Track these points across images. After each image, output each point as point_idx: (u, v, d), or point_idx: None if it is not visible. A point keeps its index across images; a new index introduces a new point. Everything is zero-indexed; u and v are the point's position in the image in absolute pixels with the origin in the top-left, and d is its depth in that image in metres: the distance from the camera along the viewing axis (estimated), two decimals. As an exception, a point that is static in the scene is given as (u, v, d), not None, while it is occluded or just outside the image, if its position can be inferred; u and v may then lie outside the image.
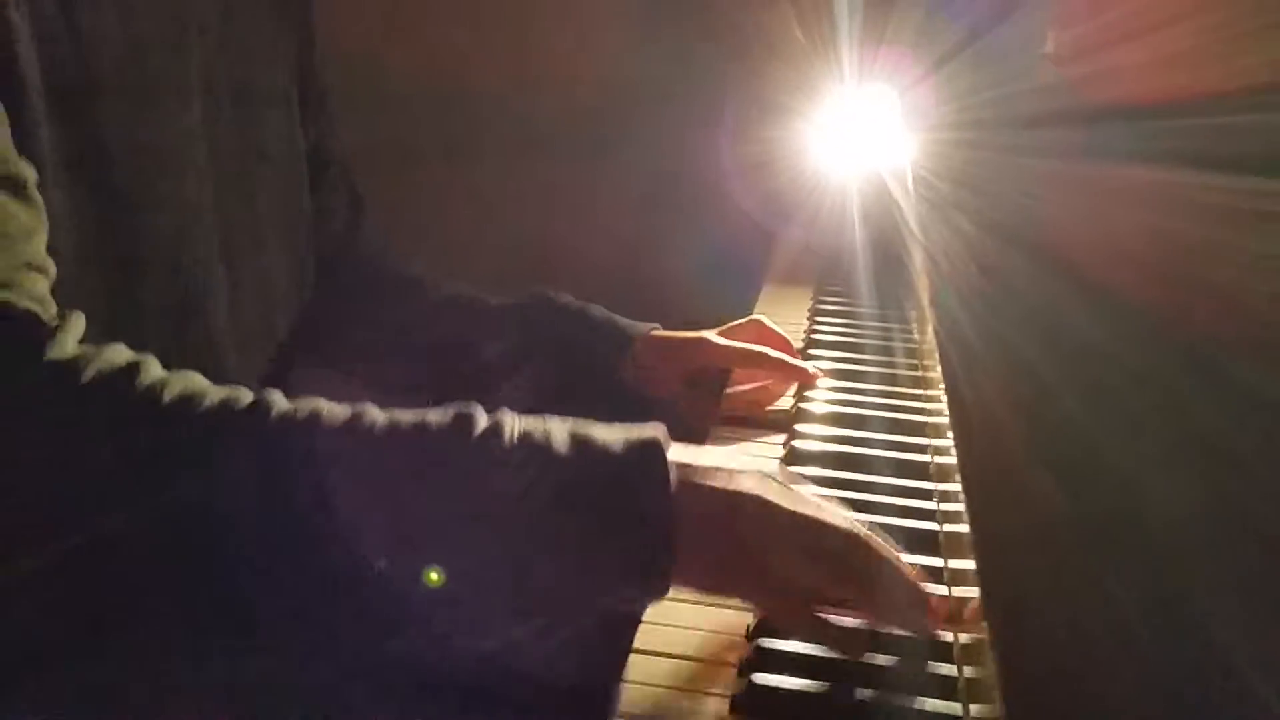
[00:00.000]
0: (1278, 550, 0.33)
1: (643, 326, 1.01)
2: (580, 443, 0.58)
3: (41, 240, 0.62)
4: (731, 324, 1.04)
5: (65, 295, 0.62)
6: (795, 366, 0.99)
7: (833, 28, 1.27)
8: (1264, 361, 0.45)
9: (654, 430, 0.59)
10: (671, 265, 1.20)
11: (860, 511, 0.64)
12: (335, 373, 1.06)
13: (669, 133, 1.50)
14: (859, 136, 1.29)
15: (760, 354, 0.98)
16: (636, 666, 0.64)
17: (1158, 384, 0.50)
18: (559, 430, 0.58)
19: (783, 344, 1.02)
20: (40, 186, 0.63)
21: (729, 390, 1.01)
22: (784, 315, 1.25)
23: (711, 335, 1.00)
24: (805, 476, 0.80)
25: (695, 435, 0.94)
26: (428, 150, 1.14)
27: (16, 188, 0.60)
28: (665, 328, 1.03)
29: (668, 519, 0.56)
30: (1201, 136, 0.63)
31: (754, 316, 1.05)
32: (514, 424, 0.58)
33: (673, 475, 0.57)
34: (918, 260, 0.99)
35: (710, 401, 0.99)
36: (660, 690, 0.62)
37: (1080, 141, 0.78)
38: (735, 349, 0.98)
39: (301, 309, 0.98)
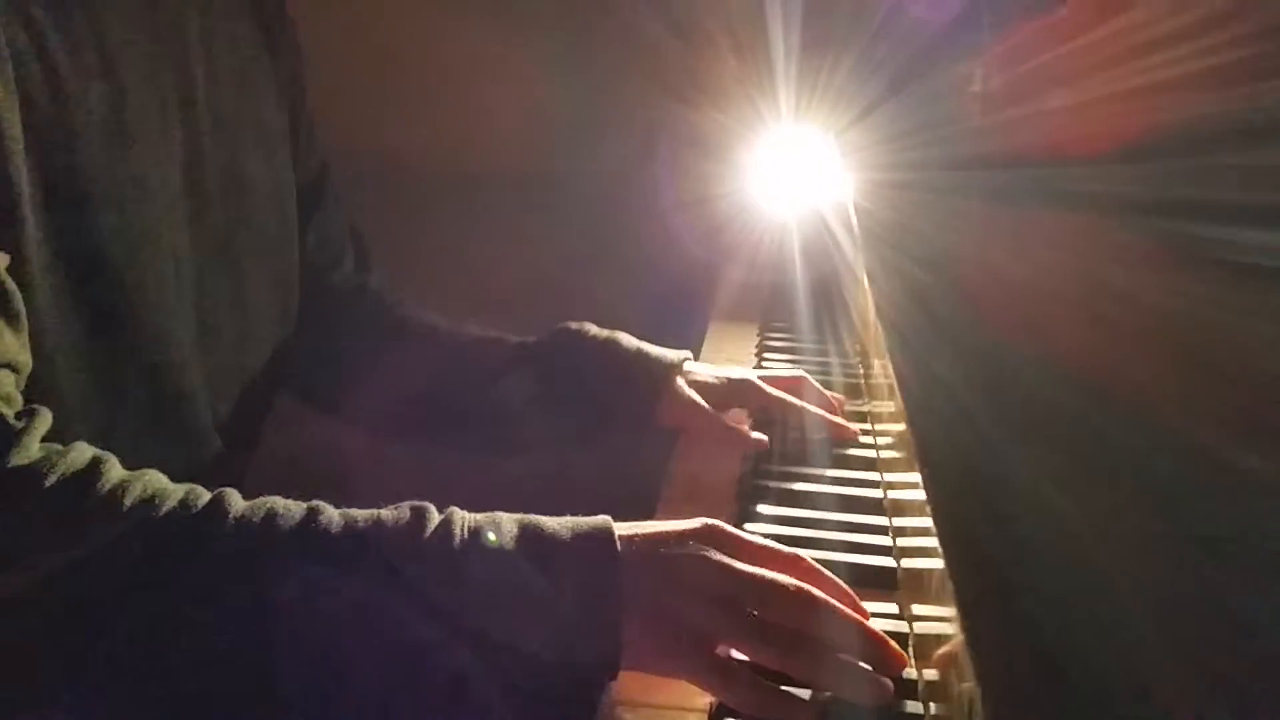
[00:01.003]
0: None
1: (675, 357, 0.97)
2: (530, 536, 0.59)
3: (15, 332, 0.62)
4: (776, 374, 1.02)
5: (41, 350, 0.64)
6: (836, 423, 0.96)
7: (769, 68, 1.29)
8: (1193, 392, 0.47)
9: (603, 519, 0.61)
10: (616, 304, 1.21)
11: (813, 548, 0.65)
12: (360, 423, 1.05)
13: (608, 172, 1.51)
14: (797, 175, 1.32)
15: (800, 408, 0.96)
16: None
17: (1093, 414, 0.52)
18: (508, 524, 0.60)
19: (823, 400, 0.99)
20: (15, 248, 0.64)
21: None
22: (731, 351, 1.27)
23: (753, 376, 0.99)
24: (758, 514, 0.81)
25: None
26: (372, 207, 1.15)
27: None
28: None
29: (616, 596, 0.57)
30: (1124, 180, 0.66)
31: (798, 373, 1.03)
32: (464, 521, 0.59)
33: (620, 548, 0.59)
34: (861, 298, 1.01)
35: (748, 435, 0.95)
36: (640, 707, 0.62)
37: (1007, 181, 0.81)
38: (776, 398, 0.96)
39: (300, 353, 0.96)
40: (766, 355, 1.24)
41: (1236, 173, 0.55)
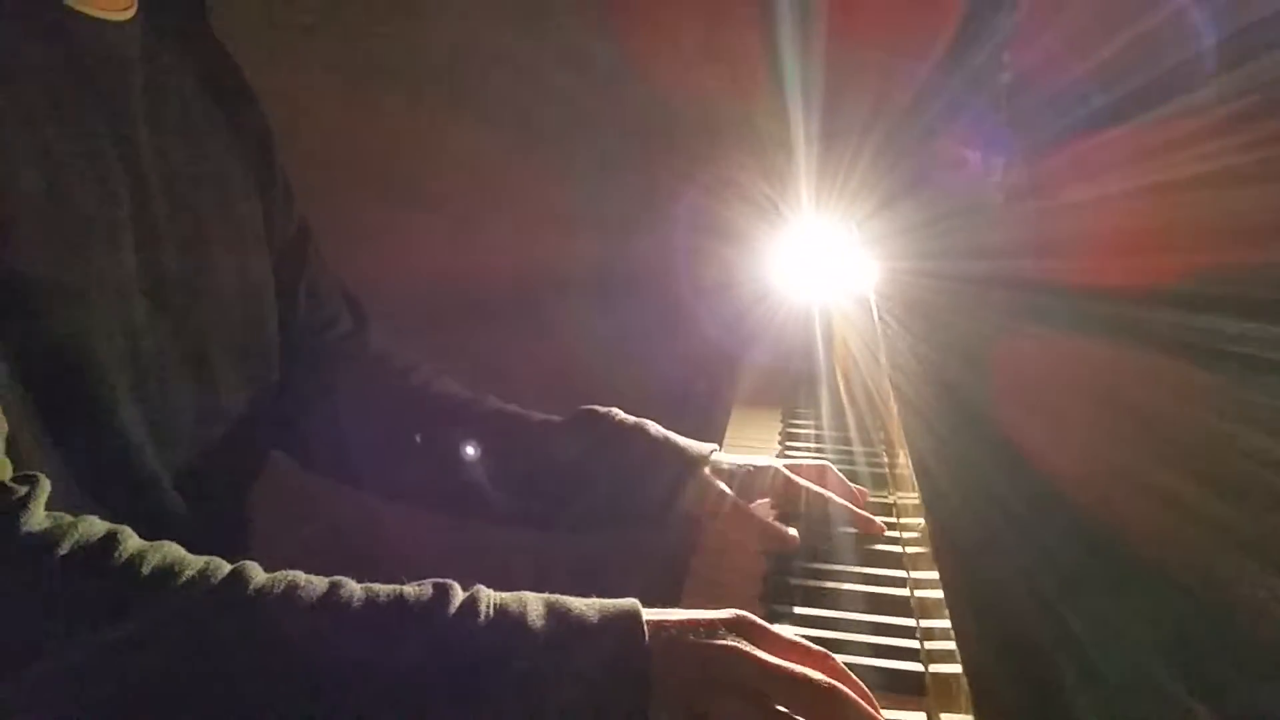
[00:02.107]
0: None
1: (704, 448, 0.97)
2: (558, 616, 0.59)
3: None
4: (799, 463, 1.01)
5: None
6: (861, 516, 0.95)
7: (789, 157, 1.32)
8: (1214, 502, 0.47)
9: (631, 602, 0.61)
10: (639, 390, 1.21)
11: (839, 651, 0.64)
12: (372, 490, 1.03)
13: (630, 260, 1.53)
14: (818, 263, 1.33)
15: (825, 498, 0.95)
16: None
17: (1117, 513, 0.52)
18: (535, 603, 0.59)
19: (847, 492, 0.99)
20: None
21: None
22: (753, 436, 1.27)
23: (779, 464, 0.98)
24: (784, 614, 0.80)
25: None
26: (392, 301, 1.16)
27: None
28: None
29: (644, 682, 0.57)
30: (1147, 275, 0.66)
31: (822, 463, 1.02)
32: (489, 600, 0.59)
33: (649, 636, 0.58)
34: (883, 387, 1.01)
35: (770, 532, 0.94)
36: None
37: (1028, 274, 0.82)
38: (803, 488, 0.96)
39: (299, 417, 0.95)
40: (789, 444, 1.24)
41: (1270, 270, 0.56)
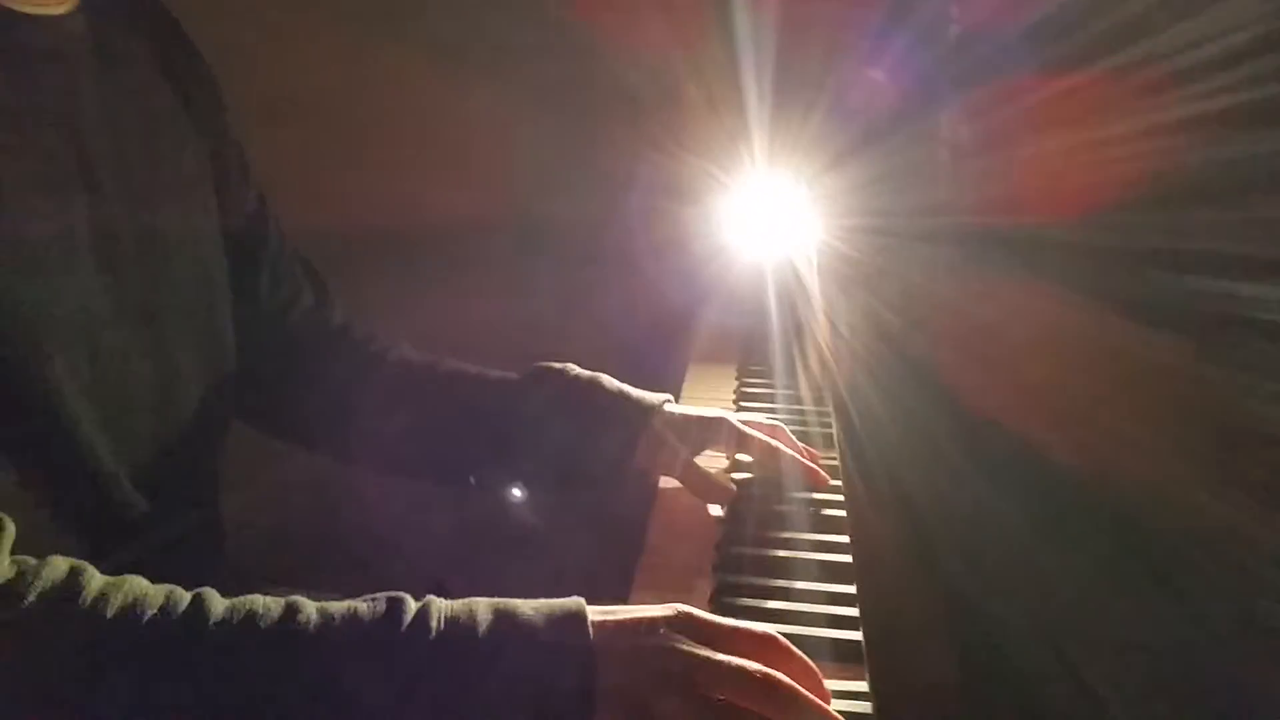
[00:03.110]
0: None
1: (656, 399, 0.98)
2: (505, 625, 0.60)
3: None
4: (755, 420, 1.02)
5: None
6: (809, 468, 0.97)
7: (742, 115, 1.31)
8: (1153, 447, 0.48)
9: (576, 604, 0.62)
10: (593, 347, 1.21)
11: (787, 622, 0.65)
12: (341, 458, 1.04)
13: (582, 219, 1.52)
14: (770, 220, 1.33)
15: (774, 449, 0.97)
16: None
17: (1051, 468, 0.53)
18: (484, 611, 0.61)
19: (798, 450, 1.00)
20: None
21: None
22: (711, 394, 1.28)
23: (730, 416, 0.99)
24: (731, 585, 0.82)
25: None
26: (345, 258, 1.15)
27: None
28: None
29: (588, 684, 0.59)
30: (1094, 229, 0.67)
31: (777, 424, 1.03)
32: (439, 612, 0.61)
33: (594, 634, 0.60)
34: (821, 346, 1.02)
35: (721, 480, 0.96)
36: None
37: (976, 230, 0.82)
38: (756, 440, 0.97)
39: (269, 394, 0.96)
40: (744, 403, 1.24)
41: (1216, 225, 0.56)
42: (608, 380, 0.99)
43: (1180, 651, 0.37)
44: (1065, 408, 0.57)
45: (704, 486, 0.95)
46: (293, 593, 0.61)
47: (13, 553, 0.60)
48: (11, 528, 0.60)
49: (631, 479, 0.98)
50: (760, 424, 1.01)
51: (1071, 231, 0.65)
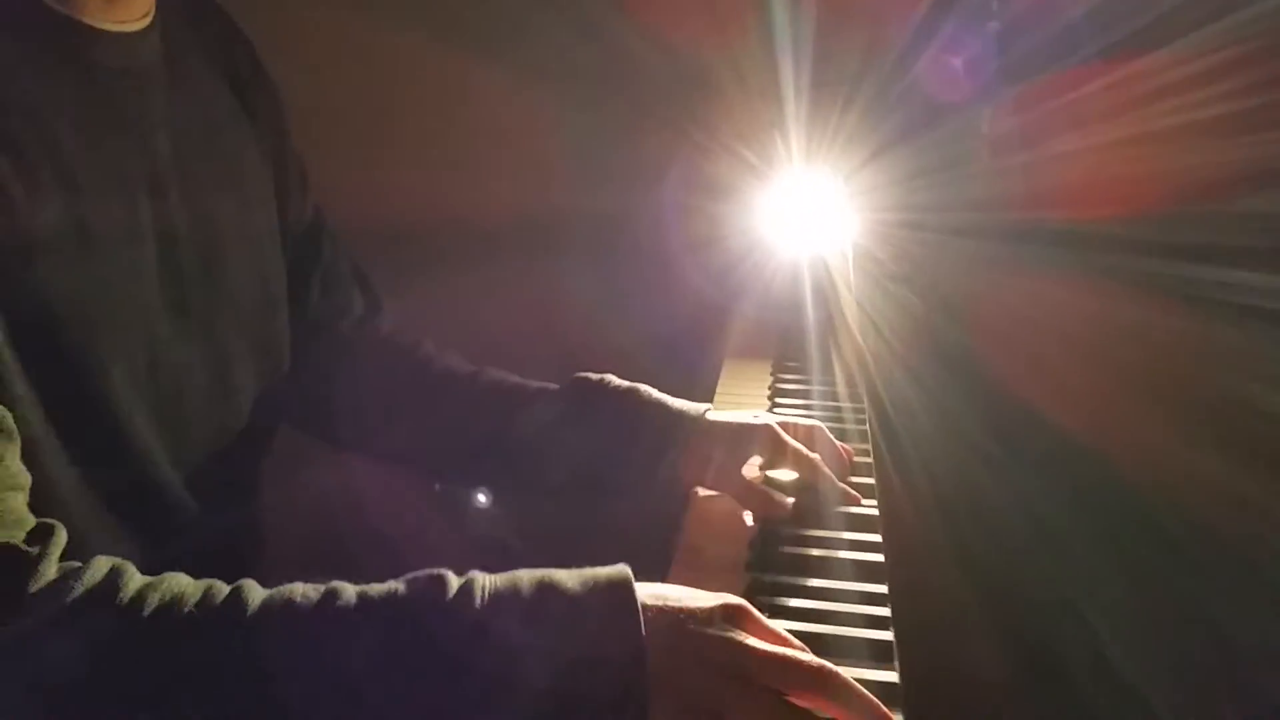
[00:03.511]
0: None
1: (696, 409, 0.97)
2: (549, 596, 0.60)
3: (12, 454, 0.64)
4: (796, 422, 1.01)
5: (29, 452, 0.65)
6: (846, 491, 0.95)
7: (779, 110, 1.31)
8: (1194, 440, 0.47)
9: (621, 573, 0.61)
10: (628, 344, 1.22)
11: (821, 622, 0.65)
12: (382, 462, 1.06)
13: (618, 215, 1.52)
14: (806, 216, 1.32)
15: (812, 461, 0.95)
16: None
17: (1089, 463, 0.52)
18: (527, 585, 0.60)
19: (835, 454, 0.99)
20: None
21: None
22: (746, 390, 1.27)
23: (771, 421, 0.97)
24: (766, 583, 0.81)
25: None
26: (383, 255, 1.16)
27: None
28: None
29: (639, 666, 0.58)
30: (1135, 225, 0.66)
31: (813, 423, 1.02)
32: (484, 585, 0.60)
33: (643, 619, 0.59)
34: (854, 344, 1.01)
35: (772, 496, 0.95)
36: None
37: (1015, 226, 0.81)
38: (794, 450, 0.95)
39: (314, 402, 0.97)
40: (779, 400, 1.23)
41: (1260, 221, 0.55)
42: (646, 391, 0.98)
43: (1217, 648, 0.37)
44: (1103, 405, 0.56)
45: (751, 497, 0.95)
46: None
47: (63, 557, 0.62)
48: (63, 535, 0.61)
49: (672, 490, 0.97)
50: (799, 426, 1.00)
51: (1113, 227, 0.64)
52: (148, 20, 0.80)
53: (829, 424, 1.04)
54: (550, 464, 0.98)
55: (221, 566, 0.78)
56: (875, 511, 0.91)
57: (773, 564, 0.86)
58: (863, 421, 1.11)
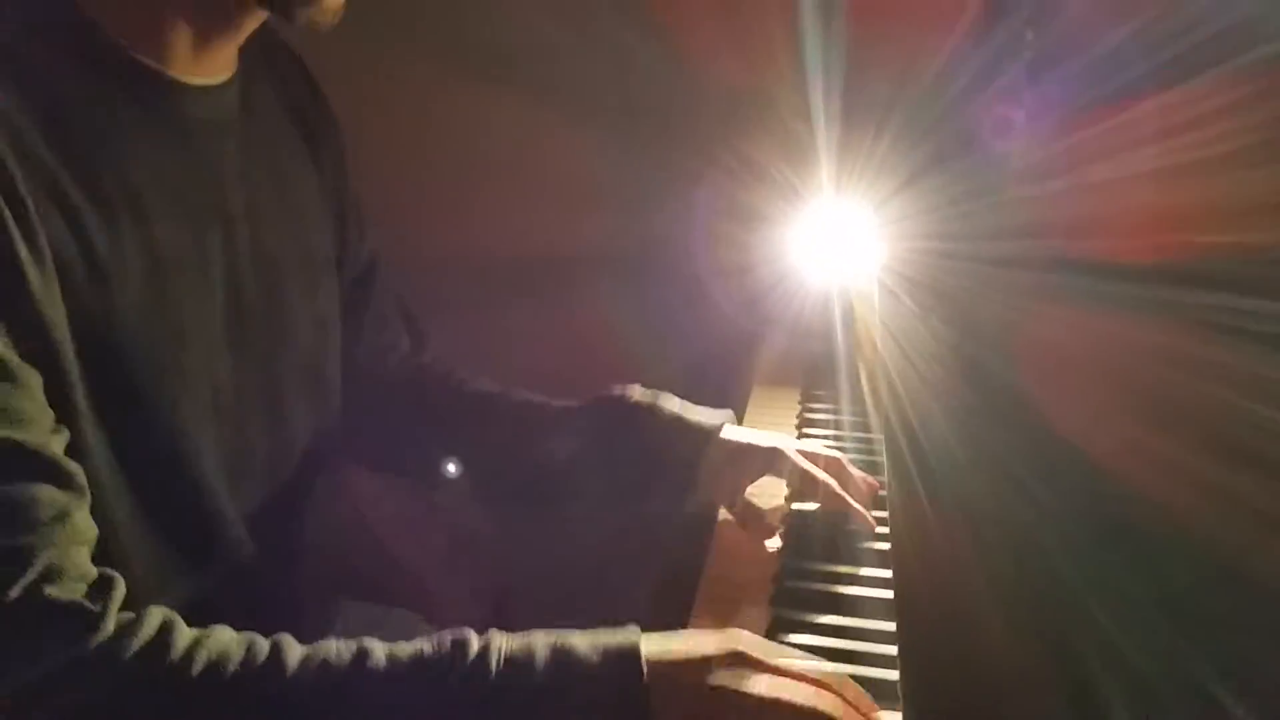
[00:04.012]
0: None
1: (715, 423, 0.98)
2: (561, 661, 0.64)
3: (81, 508, 0.67)
4: (815, 452, 1.00)
5: (96, 506, 0.69)
6: (856, 510, 0.95)
7: (811, 139, 1.31)
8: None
9: (632, 642, 0.65)
10: (659, 372, 1.22)
11: (849, 663, 0.66)
12: (412, 483, 1.10)
13: (649, 243, 1.53)
14: (837, 245, 1.32)
15: (825, 487, 0.95)
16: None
17: (1101, 503, 0.52)
18: (541, 649, 0.65)
19: (859, 490, 0.99)
20: (69, 412, 0.68)
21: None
22: (774, 418, 1.27)
23: (789, 445, 0.98)
24: (788, 620, 0.82)
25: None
26: (415, 284, 1.18)
27: (50, 469, 0.65)
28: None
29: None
30: (1162, 256, 0.66)
31: (838, 454, 1.01)
32: (499, 651, 0.64)
33: (648, 675, 0.63)
34: (886, 372, 1.01)
35: (771, 517, 0.97)
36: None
37: (1043, 255, 0.81)
38: (813, 476, 0.96)
39: (364, 437, 1.01)
40: (806, 429, 1.23)
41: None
42: (667, 403, 0.99)
43: (1239, 694, 0.36)
44: (1133, 444, 0.56)
45: (750, 519, 0.96)
46: (369, 607, 0.65)
47: (123, 600, 0.65)
48: (122, 589, 0.65)
49: (689, 503, 0.98)
50: (819, 455, 1.00)
51: (1141, 257, 0.64)
52: (230, 73, 0.82)
53: (859, 455, 1.03)
54: (579, 487, 1.00)
55: (263, 585, 0.84)
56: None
57: (798, 600, 0.86)
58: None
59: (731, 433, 0.99)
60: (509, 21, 1.55)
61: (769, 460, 0.97)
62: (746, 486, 0.97)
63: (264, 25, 0.82)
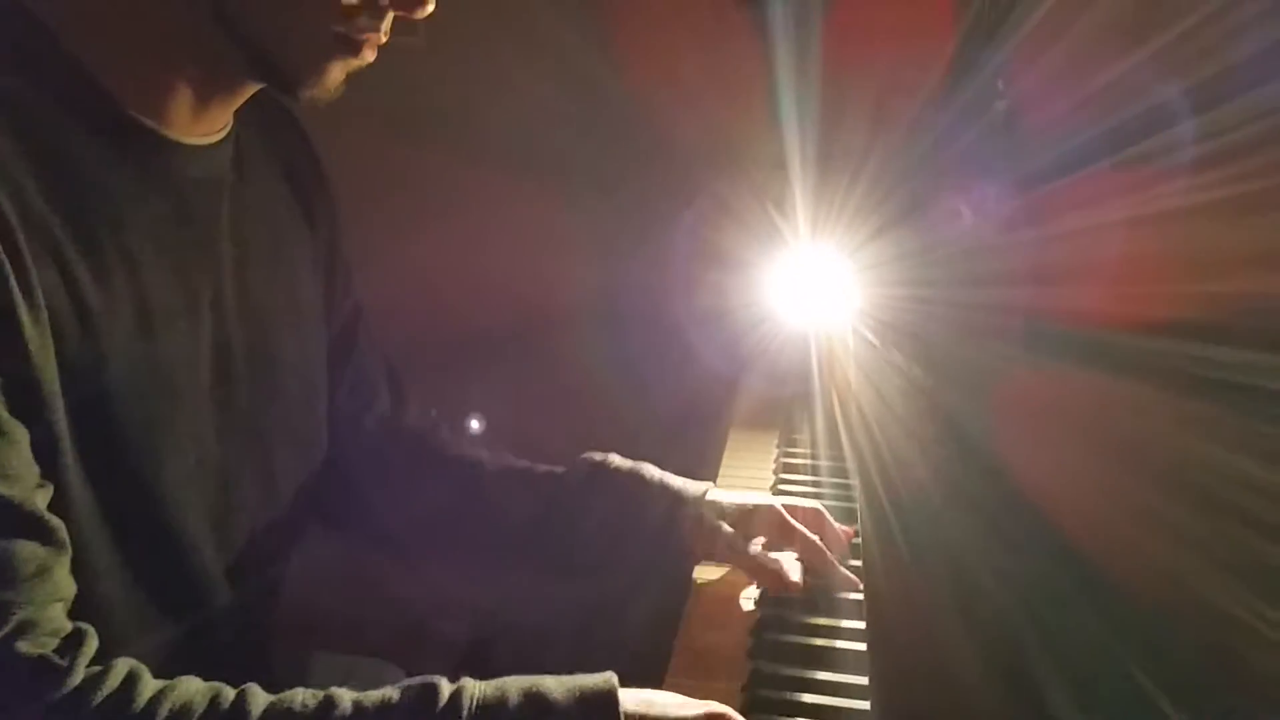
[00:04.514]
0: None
1: (698, 489, 0.99)
2: (535, 708, 0.63)
3: (61, 565, 0.67)
4: (796, 504, 1.01)
5: (80, 557, 0.69)
6: (846, 576, 0.95)
7: (787, 186, 1.32)
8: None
9: (609, 691, 0.64)
10: (636, 416, 1.22)
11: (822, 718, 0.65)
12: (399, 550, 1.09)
13: (626, 287, 1.54)
14: (813, 290, 1.33)
15: (817, 547, 0.95)
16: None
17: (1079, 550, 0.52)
18: (514, 695, 0.64)
19: (837, 540, 0.99)
20: (55, 466, 0.68)
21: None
22: (751, 462, 1.27)
23: (776, 503, 0.99)
24: (767, 675, 0.81)
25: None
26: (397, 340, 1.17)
27: (32, 524, 0.65)
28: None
29: None
30: (1127, 307, 0.66)
31: (817, 506, 1.01)
32: (473, 696, 0.64)
33: None
34: (862, 417, 1.01)
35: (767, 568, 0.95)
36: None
37: (1014, 302, 0.82)
38: (798, 532, 0.96)
39: (337, 497, 1.00)
40: (784, 475, 1.23)
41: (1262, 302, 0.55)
42: (649, 470, 1.00)
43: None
44: (1104, 489, 0.56)
45: (764, 574, 0.95)
46: (342, 657, 0.64)
47: (98, 650, 0.65)
48: (93, 644, 0.65)
49: (676, 565, 0.98)
50: (802, 509, 1.00)
51: (1107, 307, 0.64)
52: (225, 132, 0.83)
53: (836, 503, 1.03)
54: (559, 548, 1.00)
55: (238, 641, 0.83)
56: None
57: (775, 653, 0.85)
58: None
59: (717, 495, 0.99)
60: (481, 68, 1.56)
61: (758, 519, 0.97)
62: (748, 545, 0.96)
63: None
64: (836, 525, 1.00)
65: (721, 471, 1.23)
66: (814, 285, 1.33)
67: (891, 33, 1.25)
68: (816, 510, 1.01)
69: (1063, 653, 0.49)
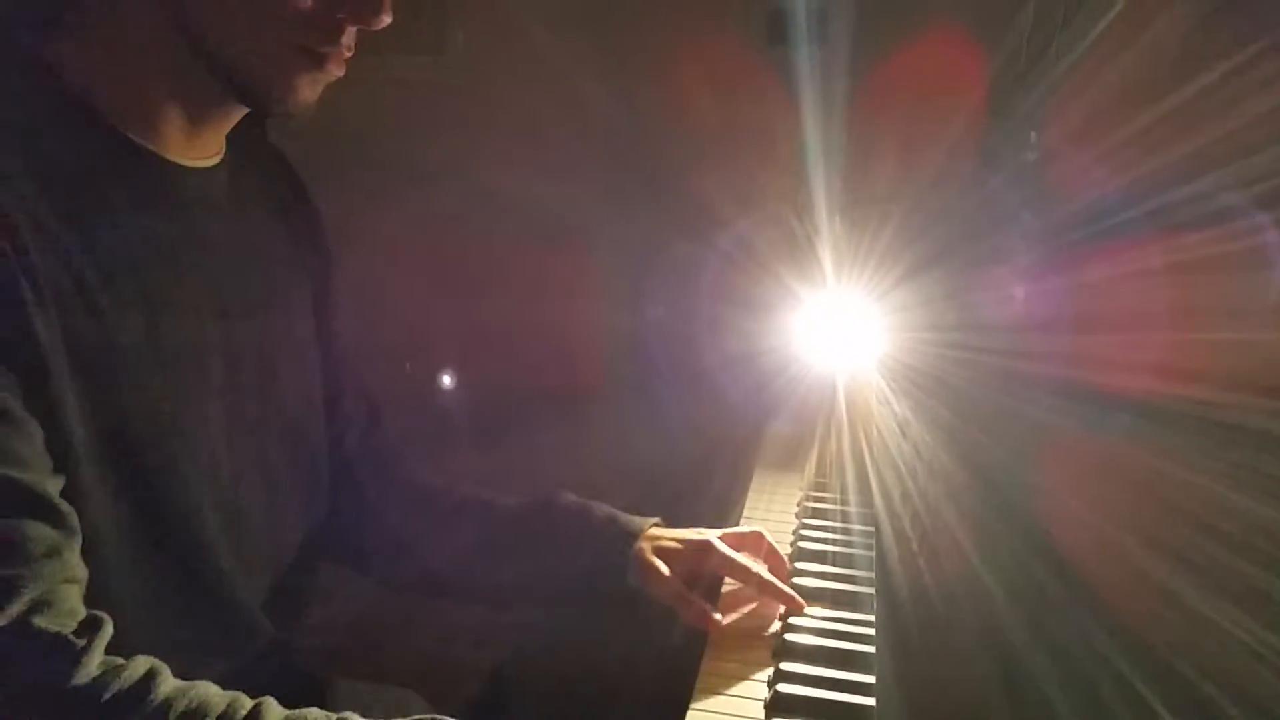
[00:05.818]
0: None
1: (644, 524, 1.02)
2: None
3: (72, 549, 0.68)
4: (737, 530, 1.04)
5: (91, 543, 0.70)
6: (785, 593, 0.98)
7: (815, 230, 1.32)
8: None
9: None
10: (663, 457, 1.22)
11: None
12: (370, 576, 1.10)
13: (653, 329, 1.54)
14: (840, 335, 1.33)
15: (756, 575, 0.98)
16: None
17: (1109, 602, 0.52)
18: None
19: (779, 565, 1.03)
20: (68, 461, 0.70)
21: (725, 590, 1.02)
22: (777, 505, 1.26)
23: (714, 537, 1.01)
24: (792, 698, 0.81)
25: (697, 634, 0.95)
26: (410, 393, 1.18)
27: (44, 507, 0.67)
28: (665, 520, 1.04)
29: None
30: (1151, 355, 0.66)
31: (756, 529, 1.05)
32: None
33: None
34: (888, 462, 1.01)
35: (708, 604, 0.98)
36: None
37: (1041, 349, 0.82)
38: (736, 563, 0.99)
39: (318, 521, 1.01)
40: (807, 520, 1.22)
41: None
42: (598, 507, 1.04)
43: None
44: (1135, 542, 0.56)
45: (688, 608, 0.97)
46: (360, 684, 0.65)
47: (121, 648, 0.66)
48: (109, 629, 0.66)
49: (622, 599, 1.00)
50: (739, 535, 1.04)
51: (1137, 355, 0.64)
52: (219, 157, 0.87)
53: (863, 552, 1.04)
54: (495, 579, 1.04)
55: (256, 654, 0.85)
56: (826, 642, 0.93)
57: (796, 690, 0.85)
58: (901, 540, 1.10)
59: (659, 532, 1.02)
60: (505, 111, 1.58)
61: (701, 555, 1.00)
62: (681, 579, 0.98)
63: (246, 119, 0.87)
64: (775, 548, 1.04)
65: (745, 514, 1.23)
66: (839, 329, 1.33)
67: (921, 77, 1.26)
68: (755, 533, 1.04)
69: (1095, 707, 0.48)
